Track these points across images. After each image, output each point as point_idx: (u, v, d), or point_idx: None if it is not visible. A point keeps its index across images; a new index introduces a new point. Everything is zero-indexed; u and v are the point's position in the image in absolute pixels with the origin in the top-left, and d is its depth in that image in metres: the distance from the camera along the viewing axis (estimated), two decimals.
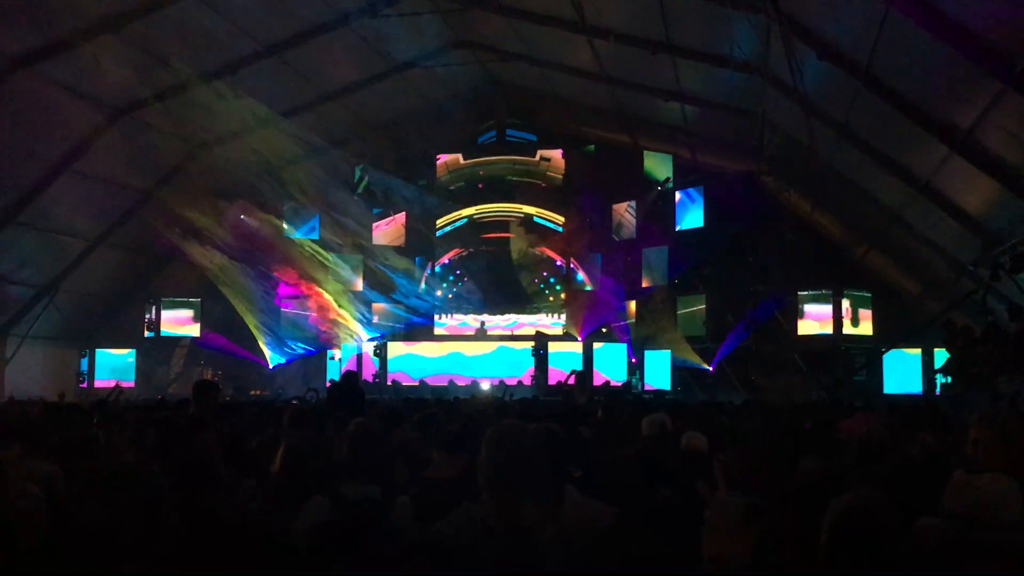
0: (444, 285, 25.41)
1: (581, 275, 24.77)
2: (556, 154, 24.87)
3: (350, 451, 3.54)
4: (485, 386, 20.78)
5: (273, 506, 3.35)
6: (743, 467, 4.53)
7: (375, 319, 24.52)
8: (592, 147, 24.05)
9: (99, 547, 2.29)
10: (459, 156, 25.44)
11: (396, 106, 22.17)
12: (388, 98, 21.26)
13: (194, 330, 23.14)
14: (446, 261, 25.58)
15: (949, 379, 13.37)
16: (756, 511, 2.48)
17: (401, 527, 3.19)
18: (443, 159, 25.45)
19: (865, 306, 20.48)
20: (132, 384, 21.32)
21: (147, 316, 23.00)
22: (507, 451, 2.68)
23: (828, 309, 20.41)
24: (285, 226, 23.79)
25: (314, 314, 23.85)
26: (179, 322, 23.21)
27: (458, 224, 25.56)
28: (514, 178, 25.24)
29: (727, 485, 2.28)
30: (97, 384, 21.70)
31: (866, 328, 20.44)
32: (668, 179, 22.80)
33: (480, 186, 25.46)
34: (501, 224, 25.38)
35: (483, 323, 23.93)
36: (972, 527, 2.09)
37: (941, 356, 15.67)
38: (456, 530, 2.67)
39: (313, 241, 23.91)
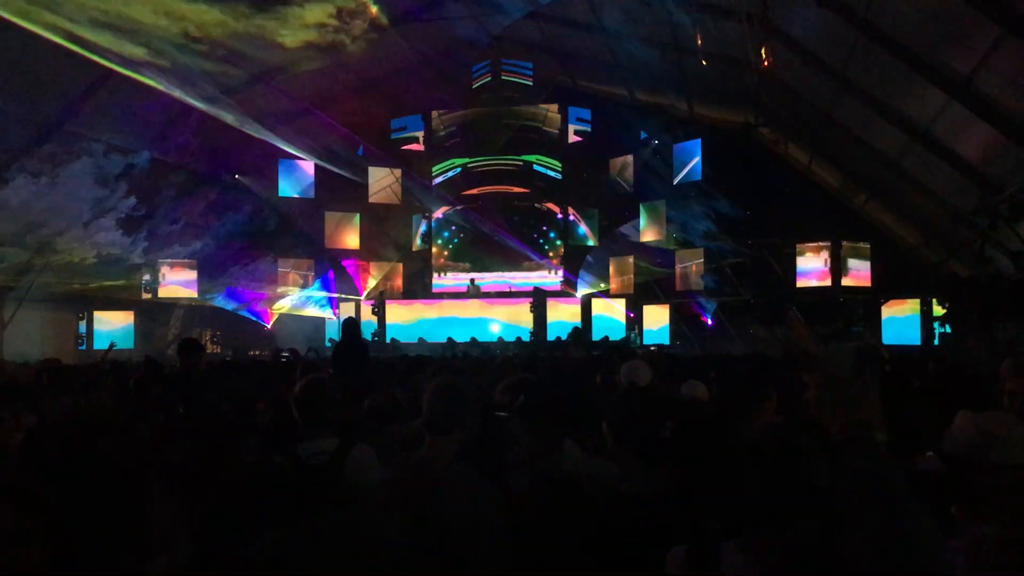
0: (439, 242, 25.22)
1: (583, 228, 24.54)
2: (552, 108, 24.52)
3: (303, 408, 3.58)
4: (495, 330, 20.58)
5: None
6: None
7: (372, 278, 24.44)
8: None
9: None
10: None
11: (390, 62, 21.88)
12: (380, 54, 20.97)
13: (192, 292, 23.03)
14: (440, 216, 25.23)
15: (948, 328, 13.40)
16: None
17: (360, 480, 3.24)
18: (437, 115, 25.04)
19: (863, 257, 20.38)
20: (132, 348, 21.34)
21: (145, 279, 22.87)
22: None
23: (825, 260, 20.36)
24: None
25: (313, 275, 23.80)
26: (178, 284, 23.08)
27: (451, 175, 25.16)
28: (510, 122, 24.61)
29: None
30: (97, 347, 21.69)
31: (864, 279, 20.37)
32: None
33: (475, 134, 24.78)
34: (496, 175, 24.96)
35: (473, 280, 23.75)
36: (971, 467, 2.07)
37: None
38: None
39: (307, 200, 23.72)
